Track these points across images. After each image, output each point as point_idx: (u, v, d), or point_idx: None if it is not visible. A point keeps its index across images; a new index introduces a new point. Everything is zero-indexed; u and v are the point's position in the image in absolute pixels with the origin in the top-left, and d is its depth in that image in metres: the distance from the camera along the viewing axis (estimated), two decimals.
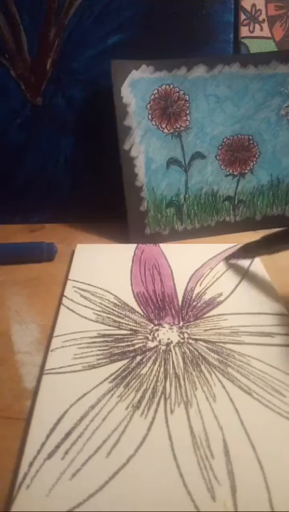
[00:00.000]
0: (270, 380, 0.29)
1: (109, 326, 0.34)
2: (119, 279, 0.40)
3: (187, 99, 0.45)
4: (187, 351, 0.31)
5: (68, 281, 0.40)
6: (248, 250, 0.42)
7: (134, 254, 0.45)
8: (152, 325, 0.34)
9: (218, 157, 0.48)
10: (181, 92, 0.45)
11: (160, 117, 0.45)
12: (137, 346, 0.32)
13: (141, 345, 0.32)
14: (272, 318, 0.35)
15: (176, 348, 0.32)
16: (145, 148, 0.45)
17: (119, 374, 0.29)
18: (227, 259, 0.43)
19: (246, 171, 0.49)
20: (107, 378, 0.29)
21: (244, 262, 0.42)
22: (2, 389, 0.29)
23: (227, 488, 0.22)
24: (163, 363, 0.30)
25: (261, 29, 0.49)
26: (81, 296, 0.38)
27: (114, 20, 0.45)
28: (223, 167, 0.48)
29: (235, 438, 0.25)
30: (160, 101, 0.45)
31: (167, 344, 0.32)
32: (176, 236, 0.49)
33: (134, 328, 0.34)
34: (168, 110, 0.45)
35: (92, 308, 0.36)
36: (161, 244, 0.46)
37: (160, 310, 0.36)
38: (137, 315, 0.36)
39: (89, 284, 0.39)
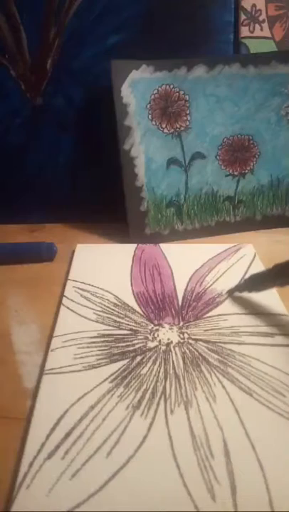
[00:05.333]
0: (270, 380, 0.29)
1: (110, 326, 0.34)
2: (119, 279, 0.40)
3: (187, 99, 0.45)
4: (187, 351, 0.31)
5: (68, 281, 0.40)
6: (257, 282, 0.36)
7: (134, 254, 0.45)
8: (152, 325, 0.34)
9: (218, 157, 0.48)
10: (181, 92, 0.45)
11: (160, 117, 0.45)
12: (137, 346, 0.32)
13: (141, 345, 0.32)
14: (272, 318, 0.35)
15: (176, 348, 0.32)
16: (145, 148, 0.45)
17: (120, 374, 0.29)
18: (230, 292, 0.38)
19: (246, 171, 0.49)
20: (107, 378, 0.29)
21: (244, 262, 0.42)
22: (2, 389, 0.29)
23: (227, 488, 0.22)
24: (163, 363, 0.30)
25: (261, 29, 0.49)
26: (81, 296, 0.38)
27: (114, 20, 0.45)
28: (223, 167, 0.48)
29: (235, 438, 0.25)
30: (160, 101, 0.45)
31: (167, 344, 0.32)
32: (176, 236, 0.49)
33: (134, 328, 0.34)
34: (168, 110, 0.45)
35: (92, 308, 0.36)
36: (161, 244, 0.46)
37: (160, 310, 0.36)
38: (137, 315, 0.36)
39: (89, 284, 0.39)
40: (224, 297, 0.38)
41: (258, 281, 0.36)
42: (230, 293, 0.38)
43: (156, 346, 0.32)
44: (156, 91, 0.45)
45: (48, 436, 0.25)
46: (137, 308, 0.36)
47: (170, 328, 0.34)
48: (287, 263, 0.34)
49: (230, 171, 0.49)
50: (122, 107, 0.44)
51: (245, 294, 0.37)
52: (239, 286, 0.38)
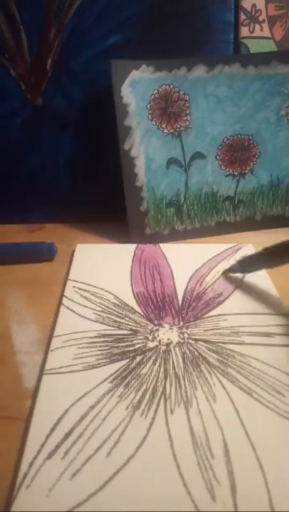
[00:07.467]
0: (270, 380, 0.29)
1: (110, 326, 0.34)
2: (119, 279, 0.40)
3: (187, 99, 0.45)
4: (187, 351, 0.31)
5: (68, 281, 0.40)
6: (248, 264, 0.39)
7: (134, 254, 0.45)
8: (152, 325, 0.34)
9: (218, 157, 0.48)
10: (181, 92, 0.45)
11: (160, 117, 0.45)
12: (137, 346, 0.32)
13: (141, 345, 0.32)
14: (272, 318, 0.35)
15: (176, 348, 0.32)
16: (145, 148, 0.45)
17: (119, 374, 0.29)
18: (225, 273, 0.41)
19: (246, 171, 0.49)
20: (107, 378, 0.29)
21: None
22: (2, 389, 0.29)
23: (227, 488, 0.22)
24: (163, 363, 0.30)
25: (261, 29, 0.49)
26: (81, 296, 0.38)
27: (114, 20, 0.45)
28: (223, 167, 0.48)
29: (235, 438, 0.25)
30: (160, 101, 0.45)
31: (167, 344, 0.32)
32: (176, 236, 0.49)
33: (134, 328, 0.34)
34: (168, 110, 0.45)
35: (92, 309, 0.36)
36: (161, 244, 0.46)
37: (160, 310, 0.36)
38: (137, 315, 0.36)
39: (89, 284, 0.39)
40: (219, 278, 0.40)
41: (249, 263, 0.39)
42: (224, 273, 0.40)
43: (156, 346, 0.32)
44: (156, 91, 0.45)
45: (48, 436, 0.25)
46: (137, 309, 0.36)
47: (170, 328, 0.34)
48: (276, 246, 0.36)
49: (230, 171, 0.49)
50: (122, 107, 0.44)
51: (244, 288, 0.38)
52: (233, 267, 0.40)
